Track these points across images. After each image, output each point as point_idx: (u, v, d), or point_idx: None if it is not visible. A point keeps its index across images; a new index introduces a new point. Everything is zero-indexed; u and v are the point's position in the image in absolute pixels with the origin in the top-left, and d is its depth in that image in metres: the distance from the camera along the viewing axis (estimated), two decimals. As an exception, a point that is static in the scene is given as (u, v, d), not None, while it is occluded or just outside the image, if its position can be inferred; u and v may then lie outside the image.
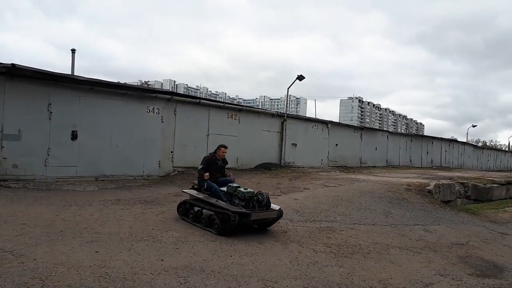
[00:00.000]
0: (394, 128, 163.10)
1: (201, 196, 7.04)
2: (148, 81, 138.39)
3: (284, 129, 18.10)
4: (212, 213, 6.65)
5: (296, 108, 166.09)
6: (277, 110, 22.44)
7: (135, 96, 12.22)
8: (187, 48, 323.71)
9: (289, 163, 18.30)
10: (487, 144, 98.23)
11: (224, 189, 7.01)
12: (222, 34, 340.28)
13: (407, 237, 7.55)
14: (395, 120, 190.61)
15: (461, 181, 14.45)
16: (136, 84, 25.11)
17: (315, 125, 20.42)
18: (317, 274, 5.08)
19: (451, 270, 5.89)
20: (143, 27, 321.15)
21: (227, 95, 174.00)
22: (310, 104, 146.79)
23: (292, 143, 18.61)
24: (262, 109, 26.10)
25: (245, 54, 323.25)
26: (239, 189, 6.79)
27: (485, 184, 15.42)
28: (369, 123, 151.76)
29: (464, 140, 41.07)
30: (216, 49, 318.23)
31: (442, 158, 31.78)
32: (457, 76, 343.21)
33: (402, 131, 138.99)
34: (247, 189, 6.85)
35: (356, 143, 23.22)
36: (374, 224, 8.17)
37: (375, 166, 23.63)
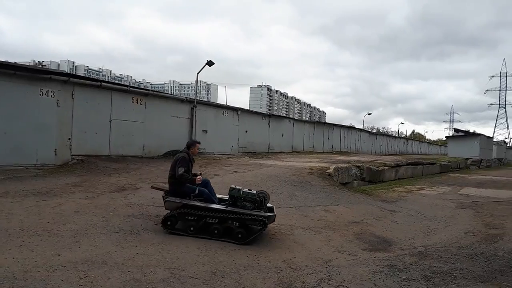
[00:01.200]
0: (299, 116, 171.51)
1: (197, 203, 6.13)
2: (43, 61, 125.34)
3: (194, 115, 17.84)
4: (230, 221, 6.02)
5: (207, 94, 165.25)
6: (187, 96, 22.00)
7: (25, 77, 10.96)
8: (88, 27, 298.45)
9: (199, 150, 18.13)
10: (380, 130, 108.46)
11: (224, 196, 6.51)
12: (126, 15, 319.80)
13: (309, 218, 8.03)
14: (300, 108, 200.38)
15: (357, 165, 15.74)
16: (27, 64, 22.52)
17: (225, 112, 20.50)
18: (224, 258, 5.14)
19: (348, 247, 6.42)
20: (34, 0, 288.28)
21: (132, 78, 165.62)
22: (220, 90, 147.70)
23: (203, 130, 18.46)
24: (170, 94, 25.37)
25: (151, 36, 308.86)
26: (243, 190, 6.30)
27: (378, 167, 17.02)
28: (277, 111, 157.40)
29: (361, 127, 44.84)
30: (120, 30, 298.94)
31: (341, 143, 34.29)
32: (355, 68, 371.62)
33: (307, 118, 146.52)
34: (251, 190, 6.45)
35: (265, 130, 23.91)
36: (279, 207, 8.51)
37: (281, 152, 24.61)
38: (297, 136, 27.51)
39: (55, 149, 11.61)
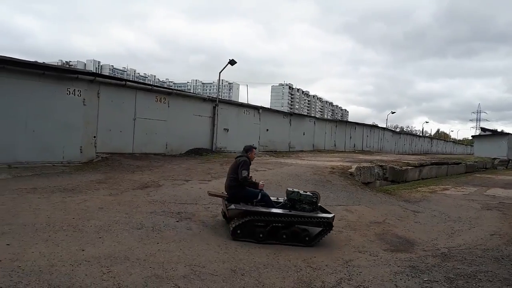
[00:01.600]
0: (321, 114, 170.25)
1: (264, 209, 6.13)
2: (70, 61, 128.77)
3: (216, 114, 18.00)
4: (296, 225, 6.10)
5: (229, 93, 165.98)
6: (209, 95, 22.18)
7: (53, 76, 11.29)
8: (113, 28, 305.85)
9: (220, 148, 18.29)
10: (404, 129, 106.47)
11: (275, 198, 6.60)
12: (150, 15, 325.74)
13: (330, 218, 7.97)
14: (322, 106, 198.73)
15: (380, 164, 15.52)
16: (55, 64, 23.23)
17: (246, 111, 20.58)
18: (244, 256, 5.18)
19: (369, 247, 6.34)
20: (64, 3, 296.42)
21: (156, 78, 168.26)
22: (242, 89, 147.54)
23: (224, 128, 18.60)
24: (193, 93, 25.63)
25: (175, 36, 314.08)
26: (301, 193, 6.38)
27: (401, 167, 16.74)
28: (298, 109, 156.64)
29: (384, 126, 44.11)
30: (145, 30, 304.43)
31: (363, 142, 33.87)
32: (379, 66, 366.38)
33: (328, 117, 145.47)
34: (306, 192, 6.55)
35: (286, 128, 23.87)
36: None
37: (302, 151, 24.51)
38: (318, 134, 27.34)
39: (81, 146, 11.93)
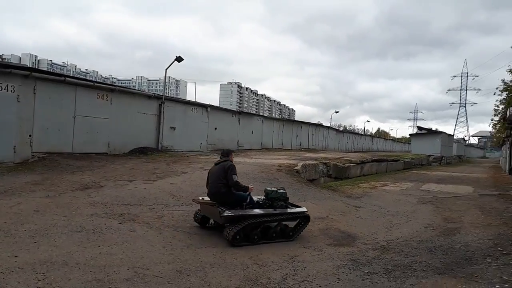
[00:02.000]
0: (269, 113, 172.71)
1: (256, 211, 6.24)
2: (3, 54, 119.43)
3: (162, 112, 17.59)
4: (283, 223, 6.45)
5: (176, 91, 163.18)
6: (154, 92, 21.62)
7: (-19, 70, 10.44)
8: (52, 20, 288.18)
9: (167, 147, 17.91)
10: (347, 128, 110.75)
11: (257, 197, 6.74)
12: (92, 8, 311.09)
13: (277, 215, 8.09)
14: (270, 105, 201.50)
15: (324, 162, 16.01)
16: (-16, 57, 21.47)
17: (194, 109, 20.32)
18: (190, 256, 5.11)
19: (313, 242, 6.52)
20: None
21: (99, 74, 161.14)
22: (190, 87, 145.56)
23: (171, 127, 18.23)
24: (138, 90, 24.81)
25: (119, 31, 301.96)
26: (278, 191, 6.69)
27: (344, 164, 17.38)
28: (247, 108, 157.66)
29: (328, 125, 45.57)
30: (86, 24, 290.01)
31: (309, 141, 34.78)
32: (324, 66, 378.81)
33: (276, 116, 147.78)
34: (279, 189, 6.88)
35: (234, 127, 23.89)
36: (247, 204, 8.53)
37: (251, 149, 24.68)
38: (266, 133, 27.67)
39: (14, 146, 11.13)
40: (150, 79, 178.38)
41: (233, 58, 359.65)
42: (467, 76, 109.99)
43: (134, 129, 16.02)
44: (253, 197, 6.67)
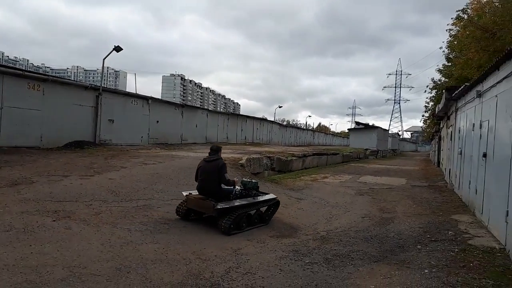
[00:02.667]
0: (214, 107, 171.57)
1: (242, 202, 6.98)
2: None
3: (99, 104, 16.77)
4: (255, 210, 7.14)
5: (115, 82, 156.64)
6: (91, 83, 20.57)
7: None
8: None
9: (105, 141, 17.14)
10: (290, 123, 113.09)
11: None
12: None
13: (221, 209, 8.08)
14: (215, 99, 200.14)
15: (268, 155, 16.25)
16: None
17: (134, 101, 19.61)
18: (131, 253, 4.95)
19: (257, 235, 6.61)
20: None
21: (30, 62, 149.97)
22: (130, 78, 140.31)
23: (109, 119, 17.45)
24: (73, 80, 23.41)
25: (52, 18, 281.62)
26: (253, 181, 7.69)
27: (287, 157, 17.77)
28: (191, 101, 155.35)
29: (272, 119, 46.25)
30: (15, 8, 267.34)
31: (254, 135, 35.08)
32: (267, 62, 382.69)
33: (221, 110, 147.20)
34: (252, 179, 8.18)
35: (178, 120, 23.42)
36: (191, 199, 8.43)
37: (195, 143, 24.37)
38: (211, 127, 27.45)
39: None
40: (87, 69, 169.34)
41: (176, 50, 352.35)
42: (401, 74, 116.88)
43: (70, 121, 15.13)
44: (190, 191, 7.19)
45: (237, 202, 6.81)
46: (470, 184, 9.43)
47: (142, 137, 19.98)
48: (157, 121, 21.15)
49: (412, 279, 4.61)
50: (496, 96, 7.18)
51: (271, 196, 7.71)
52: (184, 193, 7.13)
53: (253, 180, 7.88)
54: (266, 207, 7.56)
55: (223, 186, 6.77)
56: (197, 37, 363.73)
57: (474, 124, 9.42)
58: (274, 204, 7.72)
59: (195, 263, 4.89)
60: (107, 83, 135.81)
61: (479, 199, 8.14)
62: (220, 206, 6.45)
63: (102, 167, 10.48)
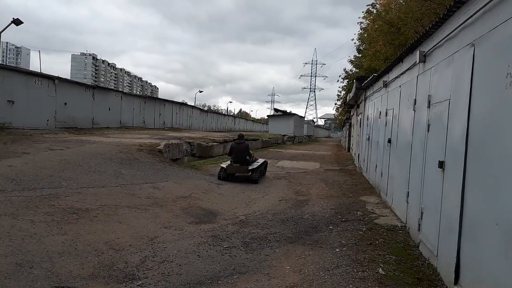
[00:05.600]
0: (130, 90, 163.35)
1: (257, 164, 12.07)
2: None
3: (-4, 83, 14.94)
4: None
5: (16, 59, 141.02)
6: (-14, 59, 18.19)
7: None
8: None
9: (4, 124, 15.37)
10: (211, 108, 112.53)
11: None
12: None
13: (136, 196, 7.76)
14: (130, 81, 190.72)
15: (188, 141, 15.96)
16: None
17: (38, 80, 17.80)
18: (34, 247, 4.53)
19: (174, 222, 6.47)
20: None
21: None
22: (34, 56, 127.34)
23: (8, 100, 15.66)
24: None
25: None
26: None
27: (208, 143, 17.63)
28: (104, 83, 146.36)
29: (193, 104, 45.50)
30: None
31: (173, 120, 34.18)
32: (186, 45, 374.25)
33: (138, 92, 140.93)
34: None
35: (88, 103, 21.82)
36: (103, 186, 7.97)
37: (108, 128, 23.01)
38: (126, 111, 26.07)
39: None
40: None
41: (84, 27, 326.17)
42: (316, 64, 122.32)
43: (-42, 101, 13.29)
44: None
45: (255, 165, 11.63)
46: (376, 167, 10.24)
47: (48, 120, 18.29)
48: (65, 103, 19.48)
49: (324, 258, 4.88)
50: (400, 86, 7.82)
51: (263, 160, 13.11)
52: (222, 165, 11.68)
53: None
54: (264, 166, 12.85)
55: (248, 158, 11.61)
56: (109, 14, 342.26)
57: (380, 112, 10.19)
58: (265, 164, 13.06)
59: (108, 253, 4.63)
60: (6, 61, 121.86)
61: (384, 182, 8.88)
62: (251, 167, 11.34)
63: (0, 153, 9.41)
